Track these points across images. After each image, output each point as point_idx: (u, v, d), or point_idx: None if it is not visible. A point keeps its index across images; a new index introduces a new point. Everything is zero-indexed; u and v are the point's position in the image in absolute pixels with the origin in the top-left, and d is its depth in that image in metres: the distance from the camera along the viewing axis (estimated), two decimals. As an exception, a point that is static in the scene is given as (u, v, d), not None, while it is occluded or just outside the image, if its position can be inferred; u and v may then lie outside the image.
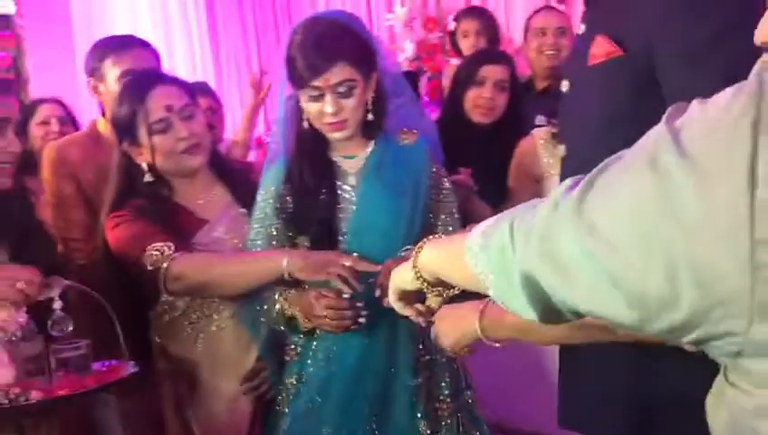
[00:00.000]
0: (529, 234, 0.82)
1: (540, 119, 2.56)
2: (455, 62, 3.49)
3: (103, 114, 2.38)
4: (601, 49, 1.35)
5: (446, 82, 3.41)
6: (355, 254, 1.75)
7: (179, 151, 1.94)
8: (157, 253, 1.83)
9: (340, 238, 1.82)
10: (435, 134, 1.99)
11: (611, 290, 0.74)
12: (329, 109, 1.76)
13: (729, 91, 0.71)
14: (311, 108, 1.79)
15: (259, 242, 1.86)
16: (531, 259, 0.81)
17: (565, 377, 1.55)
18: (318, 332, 1.82)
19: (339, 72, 1.74)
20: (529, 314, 0.85)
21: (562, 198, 0.79)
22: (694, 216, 0.68)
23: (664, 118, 0.74)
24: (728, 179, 0.67)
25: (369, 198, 1.83)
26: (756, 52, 0.76)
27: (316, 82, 1.75)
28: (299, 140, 1.85)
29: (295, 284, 1.81)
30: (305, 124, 1.83)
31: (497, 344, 1.35)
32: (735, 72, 0.76)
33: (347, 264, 1.72)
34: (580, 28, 1.48)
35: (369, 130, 1.85)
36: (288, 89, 1.84)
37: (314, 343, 1.85)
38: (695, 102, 0.74)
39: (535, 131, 2.44)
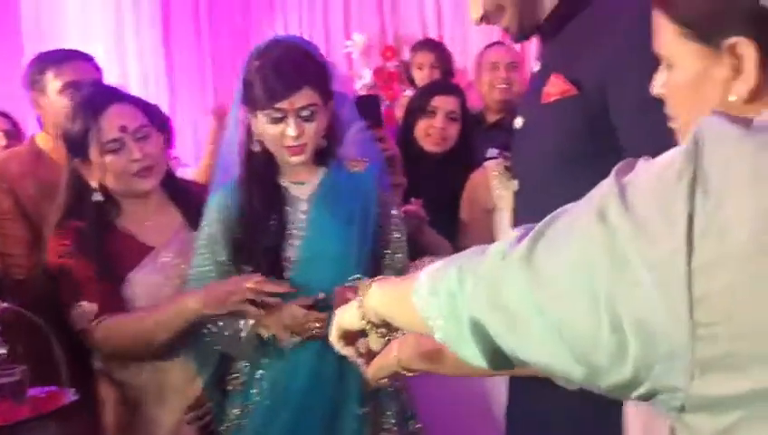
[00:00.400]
0: (477, 282, 0.81)
1: (491, 151, 2.59)
2: (408, 93, 3.52)
3: (43, 128, 2.32)
4: (556, 88, 1.36)
5: (399, 112, 3.43)
6: (258, 275, 1.75)
7: (131, 173, 1.90)
8: (80, 314, 1.83)
9: (289, 265, 1.80)
10: (384, 162, 2.00)
11: (560, 343, 0.74)
12: (291, 132, 1.74)
13: (672, 151, 0.72)
14: (270, 130, 1.76)
15: (207, 268, 1.82)
16: (479, 307, 0.81)
17: (513, 411, 1.55)
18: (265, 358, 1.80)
19: (304, 96, 1.74)
20: (479, 360, 0.84)
21: (510, 247, 0.79)
22: (636, 271, 0.69)
23: (613, 172, 0.75)
24: (668, 237, 0.68)
25: (318, 226, 1.82)
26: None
27: (280, 105, 1.73)
28: (249, 163, 1.83)
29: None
30: (256, 147, 1.81)
31: (407, 373, 1.32)
32: None
33: (249, 286, 1.72)
34: (536, 66, 1.51)
35: (320, 156, 1.84)
36: (241, 112, 1.82)
37: (260, 371, 1.81)
38: (641, 160, 0.75)
39: (488, 164, 2.47)
